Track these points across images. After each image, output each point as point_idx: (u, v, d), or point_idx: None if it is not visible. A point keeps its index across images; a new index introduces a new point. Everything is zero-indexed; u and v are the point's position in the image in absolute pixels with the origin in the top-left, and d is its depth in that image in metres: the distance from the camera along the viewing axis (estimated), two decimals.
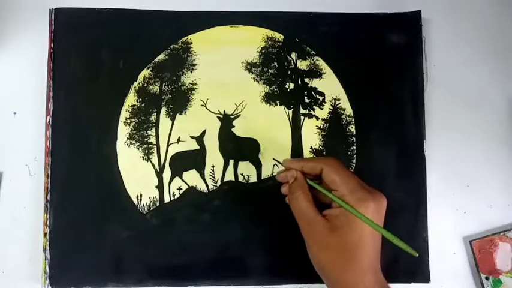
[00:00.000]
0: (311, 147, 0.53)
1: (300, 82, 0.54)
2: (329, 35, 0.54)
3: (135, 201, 0.52)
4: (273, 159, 0.53)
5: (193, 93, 0.53)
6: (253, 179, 0.53)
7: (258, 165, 0.53)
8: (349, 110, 0.54)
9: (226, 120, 0.53)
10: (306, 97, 0.54)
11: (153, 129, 0.53)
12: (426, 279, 0.52)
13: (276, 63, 0.54)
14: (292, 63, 0.55)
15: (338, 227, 0.42)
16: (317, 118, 0.54)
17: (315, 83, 0.54)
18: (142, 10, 0.54)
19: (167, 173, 0.52)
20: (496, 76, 0.56)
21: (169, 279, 0.51)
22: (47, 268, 0.50)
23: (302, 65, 0.54)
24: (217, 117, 0.53)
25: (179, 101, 0.53)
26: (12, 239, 0.52)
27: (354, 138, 0.54)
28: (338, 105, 0.54)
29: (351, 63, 0.54)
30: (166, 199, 0.52)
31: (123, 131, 0.52)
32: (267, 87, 0.54)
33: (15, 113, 0.53)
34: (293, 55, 0.55)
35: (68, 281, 0.50)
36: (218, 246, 0.51)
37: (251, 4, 0.55)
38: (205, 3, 0.54)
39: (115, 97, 0.53)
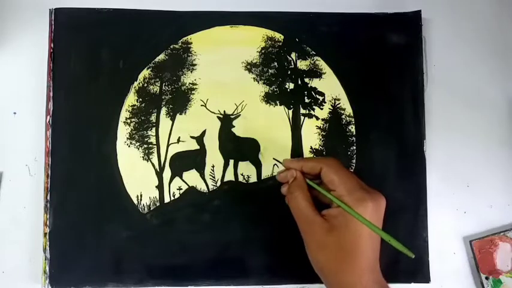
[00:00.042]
0: (311, 147, 0.53)
1: (300, 82, 0.54)
2: (329, 35, 0.54)
3: (135, 201, 0.52)
4: (273, 159, 0.53)
5: (193, 93, 0.53)
6: (253, 179, 0.53)
7: (258, 165, 0.53)
8: (349, 110, 0.54)
9: (226, 120, 0.53)
10: (306, 97, 0.54)
11: (153, 129, 0.53)
12: (426, 279, 0.52)
13: (276, 63, 0.54)
14: (292, 63, 0.54)
15: (336, 227, 0.42)
16: (317, 118, 0.54)
17: (315, 83, 0.54)
18: (142, 10, 0.54)
19: (167, 173, 0.52)
20: (496, 76, 0.56)
21: (169, 279, 0.51)
22: (47, 268, 0.50)
23: (302, 65, 0.54)
24: (217, 117, 0.53)
25: (179, 101, 0.53)
26: (12, 239, 0.52)
27: (353, 138, 0.54)
28: (338, 105, 0.54)
29: (351, 63, 0.54)
30: (166, 199, 0.52)
31: (123, 131, 0.52)
32: (267, 87, 0.54)
33: (15, 113, 0.53)
34: (293, 55, 0.55)
35: (68, 281, 0.50)
36: (218, 246, 0.51)
37: (251, 4, 0.55)
38: (205, 3, 0.54)
39: (115, 97, 0.53)
